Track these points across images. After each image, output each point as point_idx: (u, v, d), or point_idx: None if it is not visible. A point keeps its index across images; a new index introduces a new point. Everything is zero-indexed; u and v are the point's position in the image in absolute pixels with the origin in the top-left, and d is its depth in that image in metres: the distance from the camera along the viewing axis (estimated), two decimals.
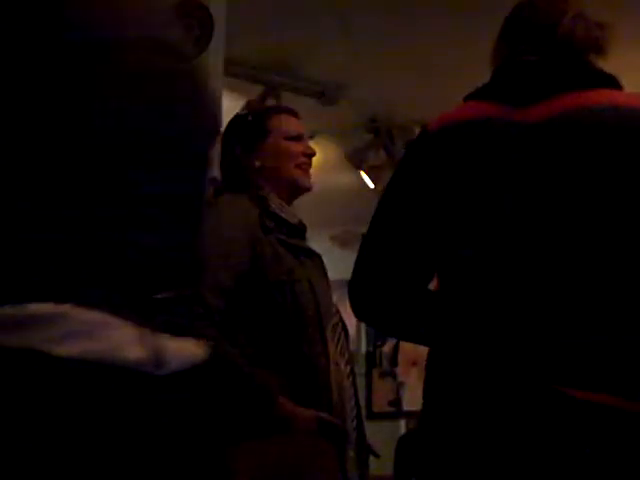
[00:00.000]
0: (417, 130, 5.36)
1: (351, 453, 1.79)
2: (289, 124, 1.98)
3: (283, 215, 1.88)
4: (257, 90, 4.78)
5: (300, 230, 1.93)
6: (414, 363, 7.05)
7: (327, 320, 1.82)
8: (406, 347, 7.09)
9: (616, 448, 1.16)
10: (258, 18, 4.23)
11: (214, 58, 3.66)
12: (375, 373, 7.10)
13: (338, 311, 1.93)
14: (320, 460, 1.67)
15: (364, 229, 6.25)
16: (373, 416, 6.97)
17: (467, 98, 1.45)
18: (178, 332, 0.75)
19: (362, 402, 7.81)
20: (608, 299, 1.24)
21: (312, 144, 6.52)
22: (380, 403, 7.01)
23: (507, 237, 1.29)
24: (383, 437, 6.73)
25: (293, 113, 2.02)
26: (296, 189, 1.96)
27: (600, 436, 1.17)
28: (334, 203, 6.65)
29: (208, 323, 1.68)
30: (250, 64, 4.61)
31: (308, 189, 1.97)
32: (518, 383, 1.21)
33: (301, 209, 7.24)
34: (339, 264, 7.73)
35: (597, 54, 1.41)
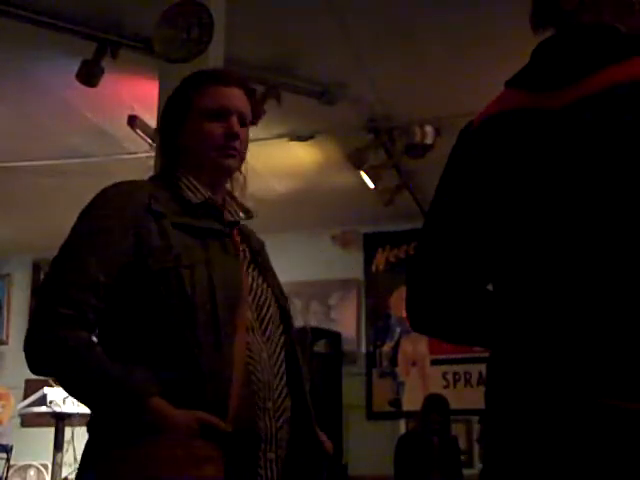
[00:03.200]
0: (417, 130, 5.33)
1: (271, 455, 1.61)
2: (211, 99, 1.76)
3: (187, 195, 1.73)
4: (257, 90, 4.77)
5: (209, 208, 1.74)
6: (414, 363, 7.05)
7: (233, 306, 1.63)
8: (406, 347, 7.09)
9: None
10: (258, 18, 4.23)
11: (214, 58, 3.67)
12: (375, 373, 7.10)
13: (276, 294, 1.78)
14: (198, 467, 1.48)
15: (364, 229, 6.31)
16: (373, 416, 6.98)
17: (506, 84, 1.42)
18: None
19: (362, 402, 7.78)
20: None
21: (312, 144, 6.49)
22: (380, 403, 7.01)
23: (557, 234, 1.25)
24: (383, 437, 6.74)
25: (222, 81, 1.79)
26: (215, 172, 1.77)
27: None
28: (334, 203, 6.65)
29: (78, 325, 1.55)
30: (250, 64, 4.61)
31: (229, 170, 1.78)
32: (572, 395, 1.18)
33: (301, 209, 7.17)
34: (339, 264, 7.77)
35: (631, 15, 1.35)
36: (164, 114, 1.84)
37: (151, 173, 3.98)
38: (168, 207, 1.68)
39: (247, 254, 1.79)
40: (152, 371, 1.54)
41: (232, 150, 1.76)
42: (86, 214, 1.69)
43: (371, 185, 5.85)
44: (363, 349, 7.15)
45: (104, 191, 1.73)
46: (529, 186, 1.29)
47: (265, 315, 1.72)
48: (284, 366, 1.71)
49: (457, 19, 4.22)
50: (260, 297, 1.74)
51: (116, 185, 1.74)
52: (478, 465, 6.27)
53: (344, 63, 4.66)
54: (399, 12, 4.20)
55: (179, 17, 3.67)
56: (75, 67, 4.45)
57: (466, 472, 5.75)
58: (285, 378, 1.70)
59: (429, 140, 5.28)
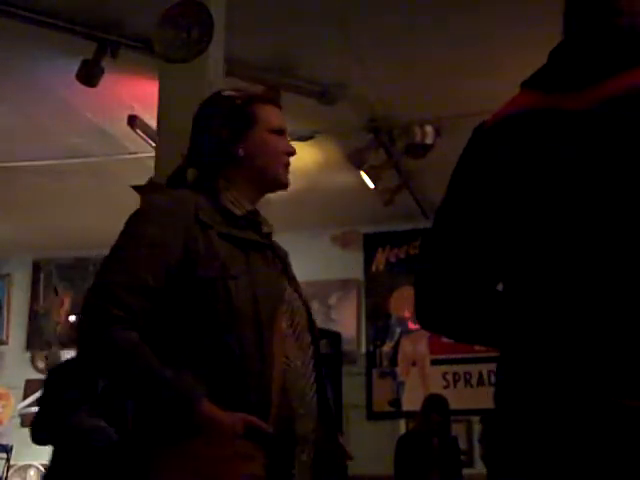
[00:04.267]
0: (417, 130, 5.32)
1: (304, 457, 1.69)
2: (275, 117, 1.88)
3: (230, 207, 1.79)
4: (257, 90, 4.77)
5: (250, 222, 1.82)
6: (414, 363, 7.05)
7: (273, 316, 1.70)
8: (406, 347, 7.09)
9: None
10: (258, 18, 4.23)
11: (214, 58, 3.67)
12: (375, 373, 7.10)
13: (305, 304, 1.84)
14: (242, 465, 1.56)
15: (364, 229, 6.30)
16: (373, 416, 6.98)
17: (522, 85, 1.40)
18: None
19: (362, 402, 7.76)
20: None
21: (312, 144, 6.49)
22: (380, 403, 7.01)
23: (568, 236, 1.24)
24: (383, 437, 6.74)
25: (277, 104, 1.93)
26: (275, 185, 1.88)
27: None
28: (334, 203, 6.65)
29: (127, 326, 1.59)
30: (250, 64, 4.61)
31: (287, 186, 1.89)
32: (587, 395, 1.18)
33: (301, 209, 7.16)
34: (339, 264, 7.77)
35: None
36: (214, 119, 1.86)
37: (151, 173, 3.98)
38: (213, 218, 1.74)
39: (279, 264, 1.85)
40: (198, 373, 1.61)
41: (289, 165, 1.88)
42: (136, 219, 1.74)
43: (371, 185, 5.85)
44: (363, 349, 7.15)
45: (153, 198, 1.83)
46: (545, 187, 1.28)
47: (298, 324, 1.79)
48: (315, 374, 1.78)
49: (457, 19, 4.22)
50: (294, 307, 1.80)
51: (164, 194, 1.81)
52: (478, 465, 6.26)
53: (344, 63, 4.67)
54: (399, 12, 4.20)
55: (179, 17, 3.67)
56: (75, 67, 4.45)
57: (466, 472, 5.75)
58: (315, 386, 1.77)
59: (429, 140, 5.28)
